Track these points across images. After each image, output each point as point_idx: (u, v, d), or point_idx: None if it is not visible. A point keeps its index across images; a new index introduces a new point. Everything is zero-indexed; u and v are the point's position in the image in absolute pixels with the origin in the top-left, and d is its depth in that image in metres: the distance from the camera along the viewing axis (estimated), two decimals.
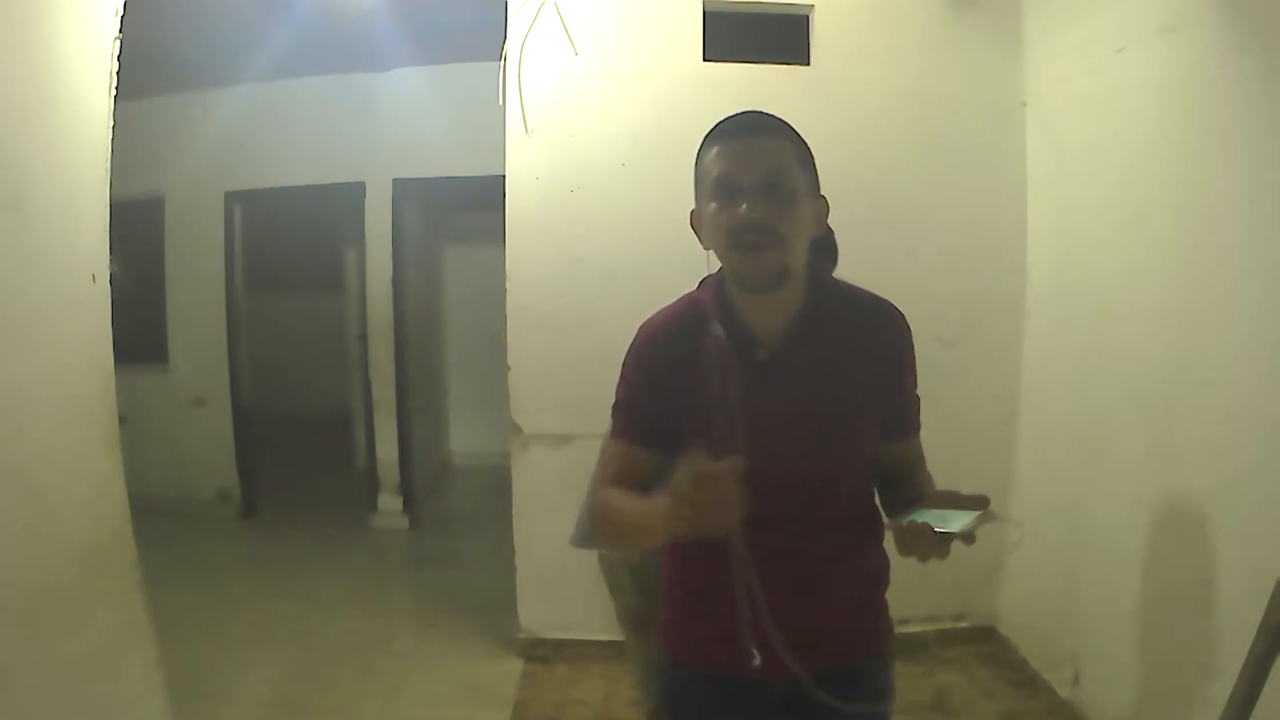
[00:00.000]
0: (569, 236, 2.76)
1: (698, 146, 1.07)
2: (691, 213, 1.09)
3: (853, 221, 2.79)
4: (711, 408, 1.04)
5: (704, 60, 2.75)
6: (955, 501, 0.95)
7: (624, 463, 1.12)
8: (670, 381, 1.08)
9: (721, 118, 1.06)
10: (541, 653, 2.83)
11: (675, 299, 1.15)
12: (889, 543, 1.15)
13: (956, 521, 0.90)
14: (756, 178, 0.99)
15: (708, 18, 2.76)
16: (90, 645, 1.70)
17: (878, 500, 1.18)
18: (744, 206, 0.99)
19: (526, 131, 2.74)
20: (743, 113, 1.06)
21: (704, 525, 0.84)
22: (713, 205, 1.02)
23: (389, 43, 3.70)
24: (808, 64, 2.78)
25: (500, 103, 2.74)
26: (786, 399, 1.05)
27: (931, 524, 0.90)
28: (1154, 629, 2.08)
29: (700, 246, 1.08)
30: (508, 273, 2.79)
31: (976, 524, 0.90)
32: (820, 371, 1.06)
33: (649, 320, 1.15)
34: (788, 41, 2.80)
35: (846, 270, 2.61)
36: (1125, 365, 2.24)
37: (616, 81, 2.73)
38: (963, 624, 2.92)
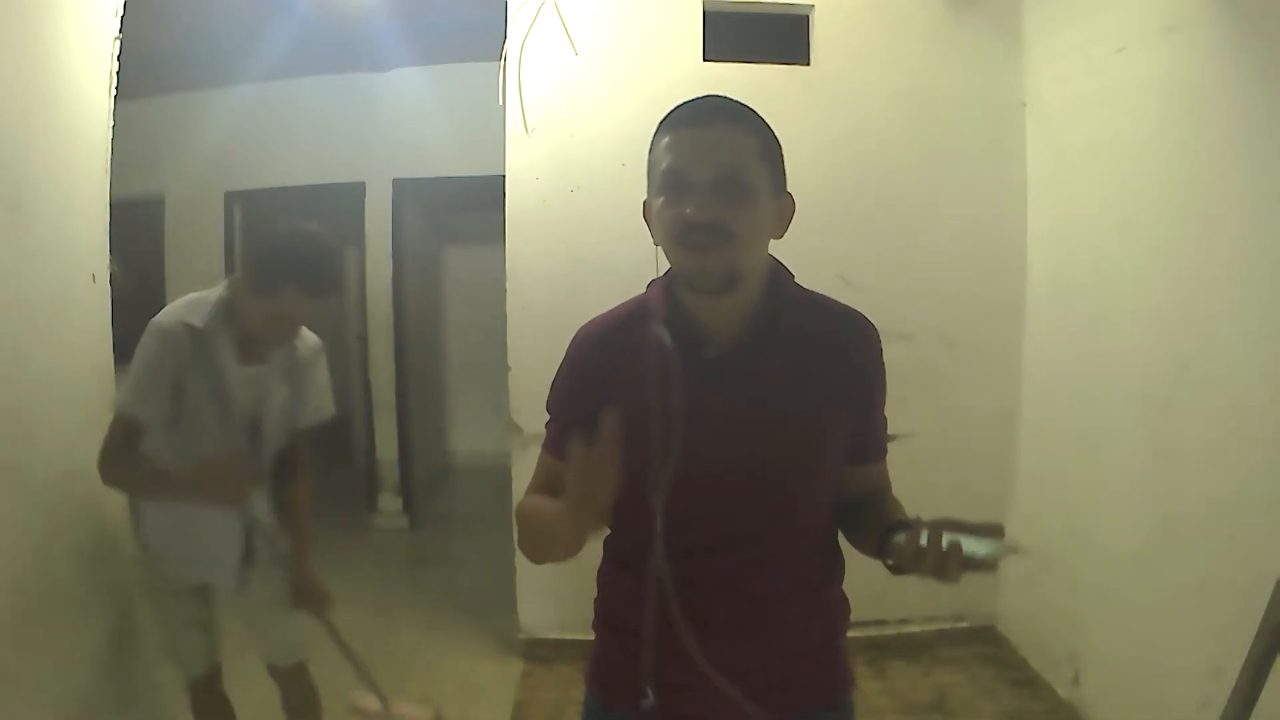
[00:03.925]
0: (569, 236, 2.76)
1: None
2: (644, 203, 0.99)
3: (853, 221, 2.82)
4: (650, 413, 0.93)
5: (704, 60, 2.75)
6: (966, 529, 0.83)
7: (550, 476, 1.03)
8: (606, 386, 0.98)
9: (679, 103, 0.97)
10: (541, 653, 2.83)
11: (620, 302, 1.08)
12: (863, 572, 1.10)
13: (983, 547, 0.82)
14: (708, 173, 0.89)
15: (708, 18, 2.76)
16: (90, 645, 1.70)
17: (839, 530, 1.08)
18: (693, 203, 0.89)
19: (526, 131, 2.74)
20: (703, 98, 0.96)
21: (578, 513, 0.82)
22: (660, 200, 0.93)
23: (389, 43, 3.69)
24: (808, 64, 2.78)
25: (500, 103, 2.74)
26: (737, 405, 0.94)
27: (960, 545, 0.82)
28: (1154, 629, 2.08)
29: (651, 240, 0.99)
30: (508, 273, 2.79)
31: (1002, 552, 0.82)
32: (777, 379, 0.96)
33: (588, 322, 1.06)
34: (788, 41, 2.80)
35: (846, 271, 2.62)
36: (1125, 365, 2.24)
37: (616, 81, 2.73)
38: (963, 624, 2.92)
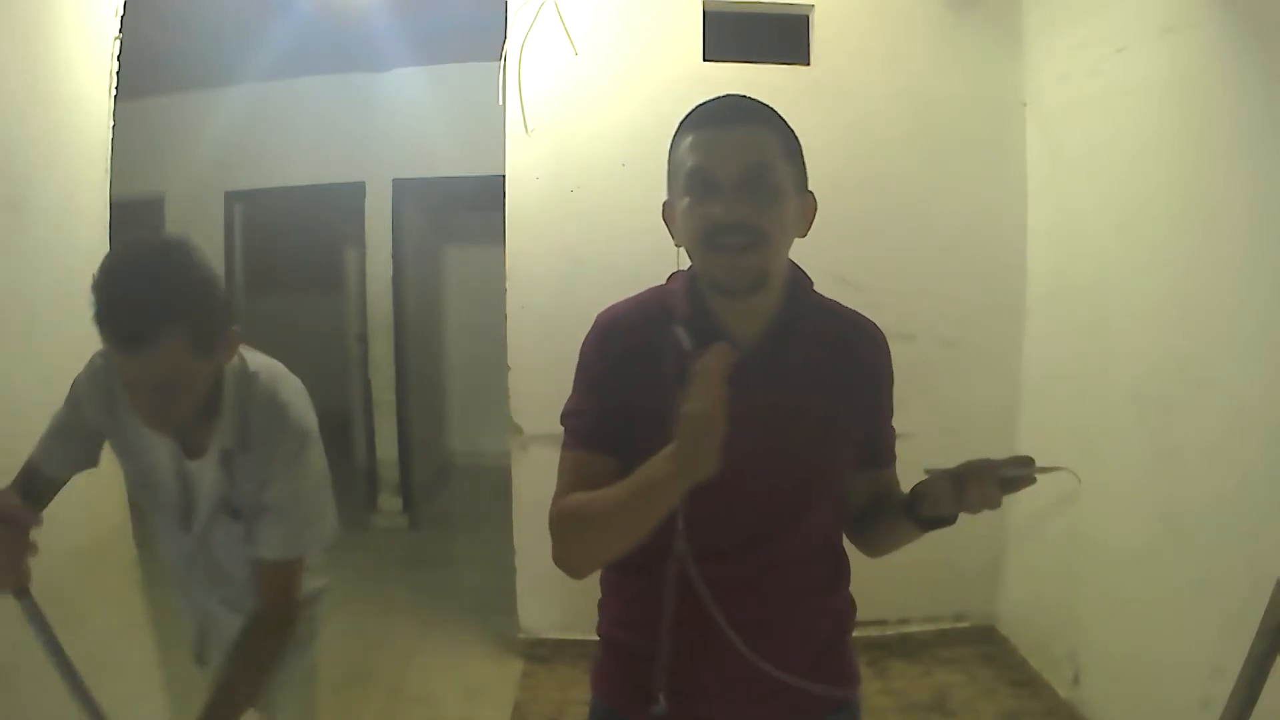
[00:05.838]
0: (569, 236, 2.76)
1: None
2: (664, 204, 0.99)
3: (853, 222, 2.81)
4: (671, 413, 0.87)
5: (704, 60, 2.75)
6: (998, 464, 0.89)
7: (583, 473, 0.96)
8: (630, 378, 0.96)
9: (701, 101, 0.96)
10: (541, 653, 2.83)
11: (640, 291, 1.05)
12: (866, 573, 1.11)
13: (1016, 468, 0.86)
14: (736, 172, 0.88)
15: (708, 18, 2.76)
16: (90, 645, 1.70)
17: (846, 538, 1.09)
18: (721, 204, 0.88)
19: (526, 131, 2.74)
20: (724, 97, 0.95)
21: (689, 458, 0.78)
22: (686, 201, 0.92)
23: (389, 43, 3.69)
24: (808, 64, 2.79)
25: (500, 103, 2.74)
26: (757, 407, 0.91)
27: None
28: (1154, 629, 2.08)
29: (672, 241, 0.98)
30: (508, 273, 2.79)
31: (1037, 469, 0.86)
32: (796, 381, 0.96)
33: (609, 309, 1.02)
34: (788, 41, 2.80)
35: (846, 271, 2.62)
36: (1125, 365, 2.24)
37: (616, 81, 2.73)
38: (963, 624, 2.92)
